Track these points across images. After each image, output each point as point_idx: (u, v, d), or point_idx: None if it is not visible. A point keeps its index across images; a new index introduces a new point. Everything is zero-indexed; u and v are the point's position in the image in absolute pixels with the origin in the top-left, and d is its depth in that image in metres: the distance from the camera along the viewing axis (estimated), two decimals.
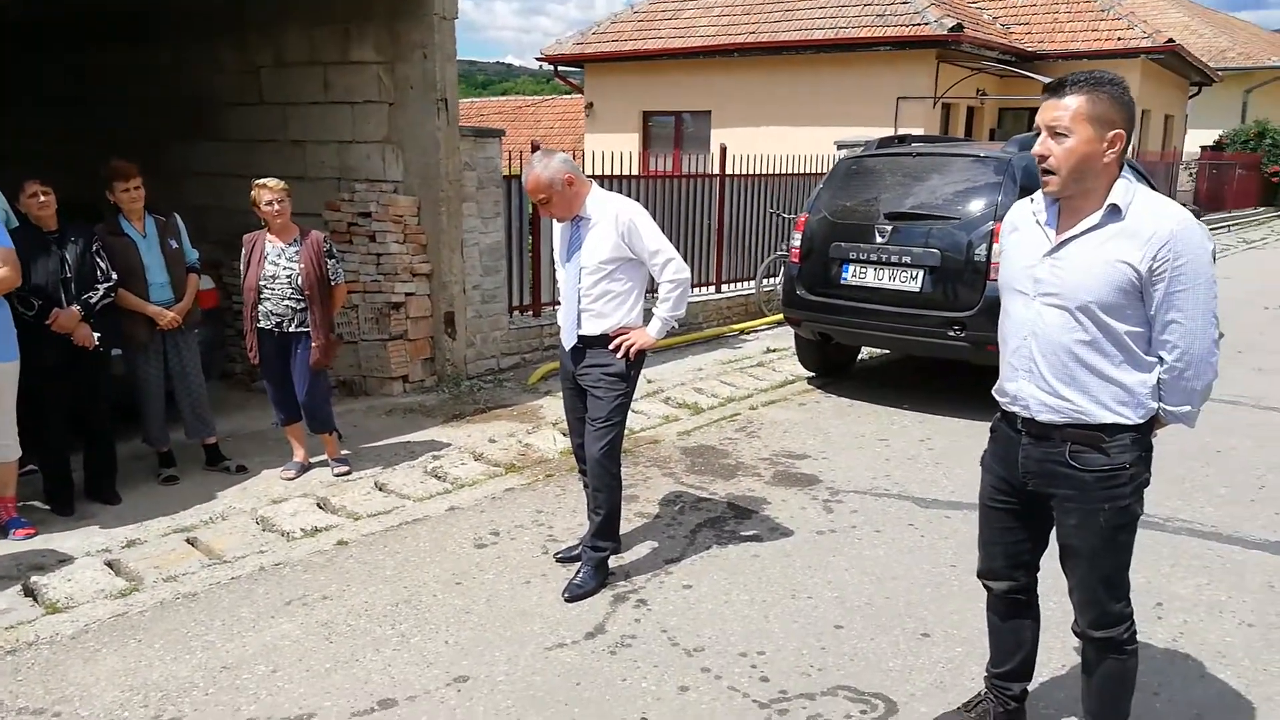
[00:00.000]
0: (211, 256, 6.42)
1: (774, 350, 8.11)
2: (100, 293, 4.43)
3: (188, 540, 4.15)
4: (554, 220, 3.81)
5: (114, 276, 4.50)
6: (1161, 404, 2.33)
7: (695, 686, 3.06)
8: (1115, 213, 2.25)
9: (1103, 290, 2.25)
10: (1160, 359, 2.29)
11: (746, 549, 4.11)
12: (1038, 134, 2.30)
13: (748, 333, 9.05)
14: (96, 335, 4.40)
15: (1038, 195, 2.42)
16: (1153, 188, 7.39)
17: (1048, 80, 2.32)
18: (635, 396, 6.46)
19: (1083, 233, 2.29)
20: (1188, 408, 2.32)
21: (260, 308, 4.79)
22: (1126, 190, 2.26)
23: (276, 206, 4.71)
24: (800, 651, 3.27)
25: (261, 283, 4.77)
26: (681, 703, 2.97)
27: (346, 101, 6.80)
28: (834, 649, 3.29)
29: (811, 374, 7.19)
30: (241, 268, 4.89)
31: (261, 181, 4.74)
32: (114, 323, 4.58)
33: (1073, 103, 2.23)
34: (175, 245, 4.89)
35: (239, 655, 3.22)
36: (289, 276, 4.76)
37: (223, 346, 6.66)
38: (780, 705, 2.96)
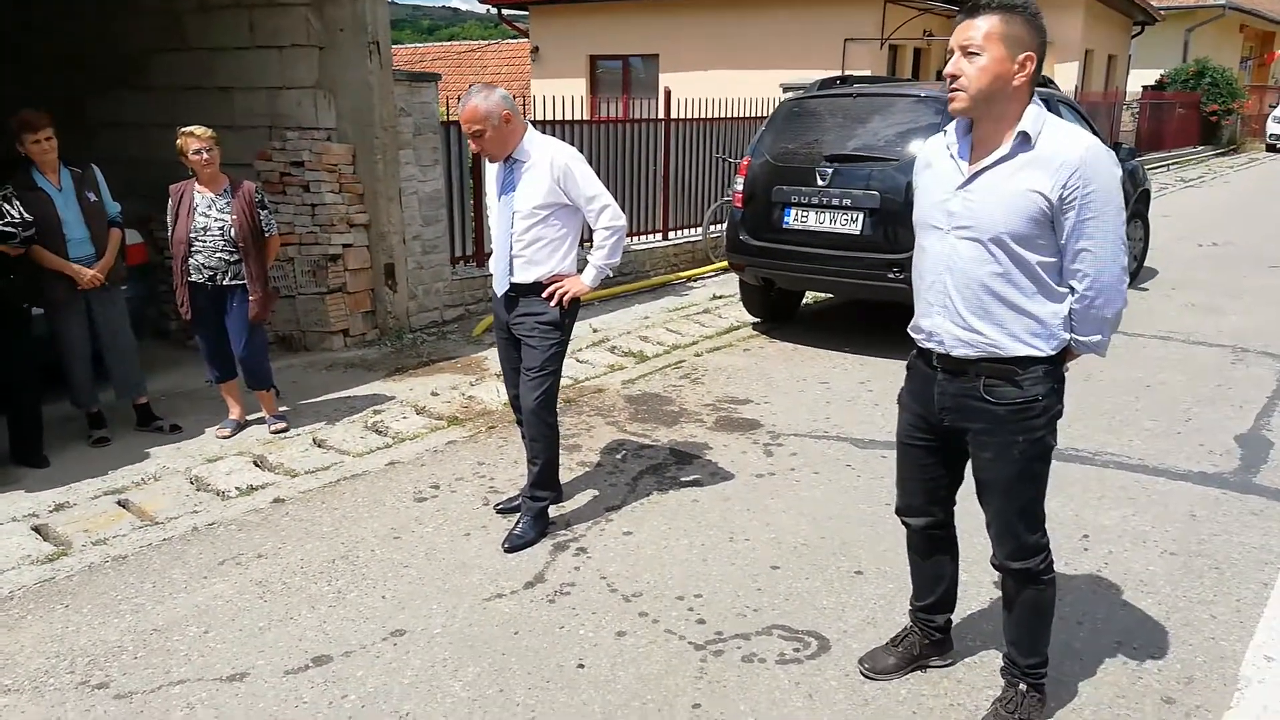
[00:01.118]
0: (140, 210, 6.20)
1: (720, 297, 8.11)
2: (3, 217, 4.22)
3: (119, 502, 4.07)
4: (487, 162, 3.73)
5: (29, 218, 4.31)
6: (1073, 334, 2.35)
7: (633, 631, 3.09)
8: (1025, 141, 2.25)
9: (1015, 221, 2.25)
10: (1071, 289, 2.31)
11: (687, 494, 4.14)
12: (950, 55, 2.28)
13: (695, 280, 9.03)
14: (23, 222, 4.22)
15: (950, 128, 2.41)
16: (1093, 129, 7.48)
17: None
18: (581, 346, 6.48)
19: (994, 163, 2.28)
20: (1098, 337, 2.35)
21: (191, 261, 4.65)
22: (1037, 118, 2.25)
23: (205, 155, 4.55)
24: (737, 593, 3.31)
25: (192, 235, 4.62)
26: (618, 647, 2.99)
27: (274, 46, 6.55)
28: (769, 589, 3.34)
29: (756, 319, 7.21)
30: (169, 220, 4.73)
31: (188, 130, 4.57)
32: (33, 280, 4.42)
33: (985, 23, 2.21)
34: (94, 198, 4.72)
35: (170, 617, 3.17)
36: (220, 228, 4.62)
37: (154, 303, 6.48)
38: (716, 646, 3.00)
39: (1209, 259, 9.65)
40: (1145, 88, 22.00)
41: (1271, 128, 24.29)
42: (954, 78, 2.25)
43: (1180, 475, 4.27)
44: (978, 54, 2.21)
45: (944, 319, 2.41)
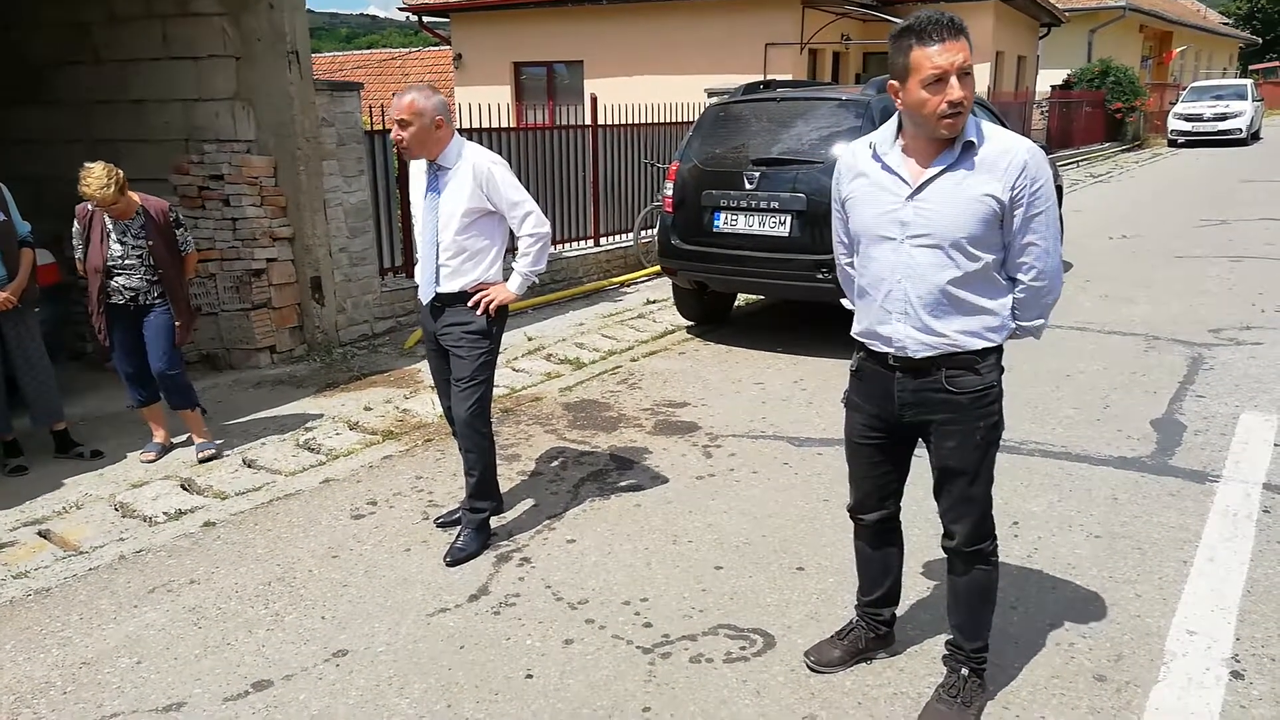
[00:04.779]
0: (51, 230, 5.96)
1: (654, 301, 8.15)
2: None
3: (39, 533, 3.92)
4: (412, 169, 3.71)
5: None
6: (1017, 321, 2.47)
7: (580, 639, 3.08)
8: (971, 148, 2.32)
9: (971, 225, 2.33)
10: (1015, 280, 2.42)
11: (629, 499, 4.15)
12: (941, 76, 2.22)
13: (628, 285, 9.06)
14: None
15: (876, 138, 2.46)
16: (1006, 128, 7.73)
17: (932, 17, 2.25)
18: (517, 354, 6.45)
19: (942, 172, 2.34)
20: (1040, 321, 2.48)
21: (111, 284, 4.49)
22: (974, 125, 2.33)
23: (112, 192, 4.28)
24: (682, 595, 3.33)
25: (110, 264, 4.46)
26: (566, 656, 2.99)
27: (189, 57, 6.38)
28: (714, 589, 3.37)
29: (690, 323, 7.26)
30: (77, 243, 4.56)
31: (83, 175, 4.27)
32: None
33: (967, 44, 2.25)
34: (3, 218, 4.54)
35: (99, 649, 3.06)
36: (139, 255, 4.48)
37: (69, 324, 6.25)
38: (663, 649, 3.01)
39: (1120, 251, 10.04)
40: (1053, 87, 22.79)
41: (1173, 124, 25.35)
42: (959, 103, 2.23)
43: (1101, 461, 4.44)
44: (969, 75, 2.25)
45: (905, 325, 2.45)
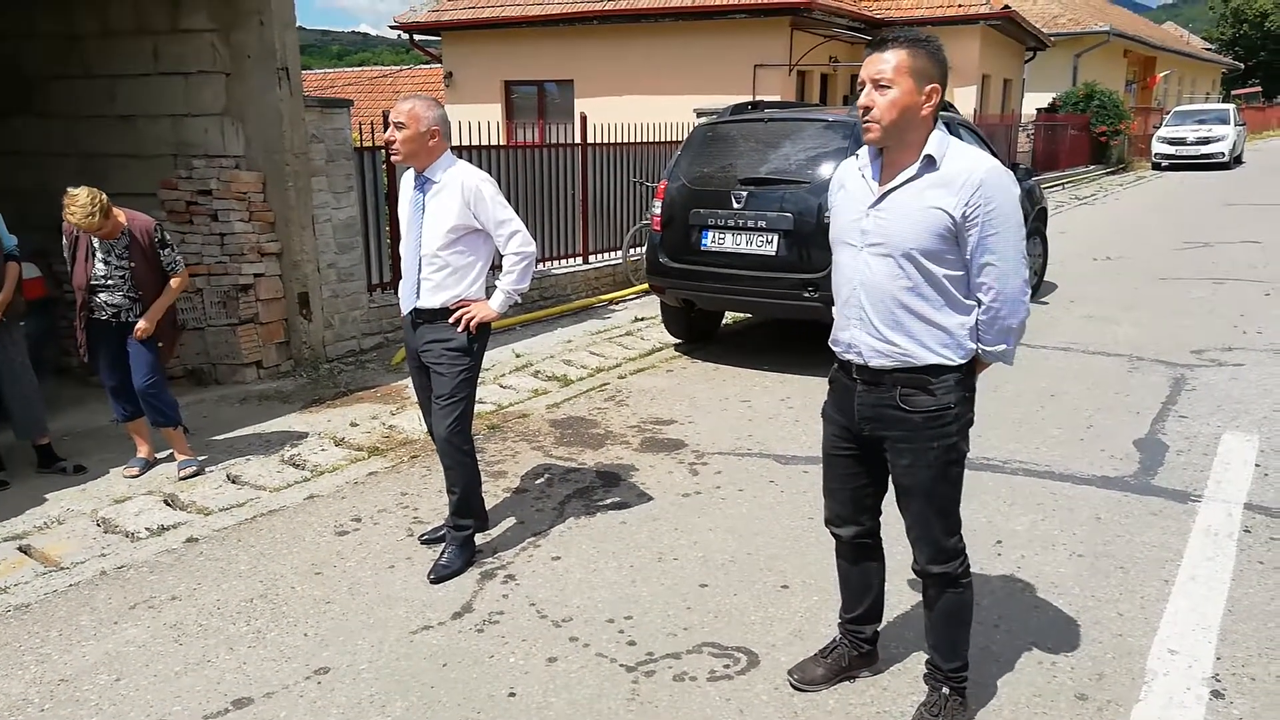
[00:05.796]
0: (38, 243, 5.96)
1: (642, 319, 8.17)
2: None
3: (20, 548, 3.88)
4: (401, 184, 3.73)
5: None
6: (980, 345, 2.47)
7: (564, 656, 3.07)
8: (931, 163, 2.37)
9: (923, 237, 2.37)
10: (977, 301, 2.44)
11: (615, 517, 4.15)
12: (862, 87, 2.39)
13: (616, 302, 9.08)
14: None
15: (862, 152, 2.53)
16: (992, 150, 7.81)
17: (882, 35, 2.41)
18: (504, 371, 6.45)
19: (902, 183, 2.40)
20: (1004, 346, 2.48)
21: (94, 300, 4.48)
22: (940, 142, 2.38)
23: (98, 219, 4.26)
24: (667, 613, 3.33)
25: (94, 282, 4.46)
26: (550, 674, 2.98)
27: (179, 72, 6.40)
28: (699, 607, 3.36)
29: (678, 341, 7.29)
30: (66, 258, 4.55)
31: (68, 202, 4.24)
32: None
33: (894, 57, 2.33)
34: None
35: (78, 666, 3.03)
36: (123, 275, 4.47)
37: (55, 339, 6.23)
38: (647, 667, 3.00)
39: (1104, 273, 10.13)
40: (1039, 110, 23.03)
41: (1157, 147, 25.63)
42: (867, 109, 2.36)
43: (1085, 480, 4.46)
44: (888, 87, 2.33)
45: (860, 331, 2.51)
